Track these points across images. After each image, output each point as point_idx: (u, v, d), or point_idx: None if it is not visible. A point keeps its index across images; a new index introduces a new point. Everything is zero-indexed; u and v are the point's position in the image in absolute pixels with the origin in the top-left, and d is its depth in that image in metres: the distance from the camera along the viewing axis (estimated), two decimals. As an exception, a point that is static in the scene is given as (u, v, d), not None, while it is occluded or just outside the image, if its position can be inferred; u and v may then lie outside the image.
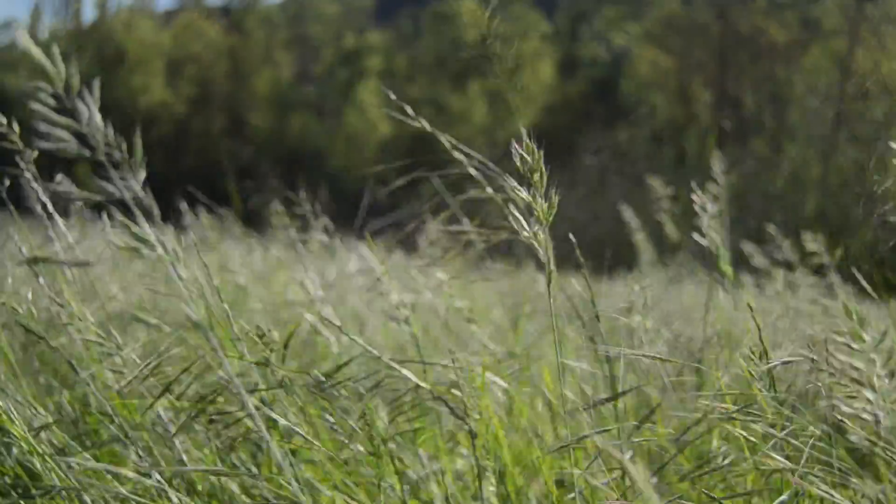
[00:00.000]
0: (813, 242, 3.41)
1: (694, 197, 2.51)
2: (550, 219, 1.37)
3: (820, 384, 1.30)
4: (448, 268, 2.73)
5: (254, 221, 4.70)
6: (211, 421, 1.87)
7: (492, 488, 1.99)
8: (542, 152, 1.36)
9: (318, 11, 47.88)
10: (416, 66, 43.98)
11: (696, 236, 2.67)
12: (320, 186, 3.33)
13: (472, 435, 1.84)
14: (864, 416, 1.12)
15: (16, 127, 1.97)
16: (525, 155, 1.36)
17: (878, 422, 1.11)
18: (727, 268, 2.70)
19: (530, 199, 1.36)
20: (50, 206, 1.99)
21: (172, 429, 1.83)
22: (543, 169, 1.36)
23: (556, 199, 1.37)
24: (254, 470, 2.13)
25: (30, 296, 1.99)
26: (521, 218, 1.38)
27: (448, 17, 44.92)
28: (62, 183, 1.04)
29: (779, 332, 3.08)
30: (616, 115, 41.72)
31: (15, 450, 1.82)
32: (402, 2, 50.51)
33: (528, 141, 1.36)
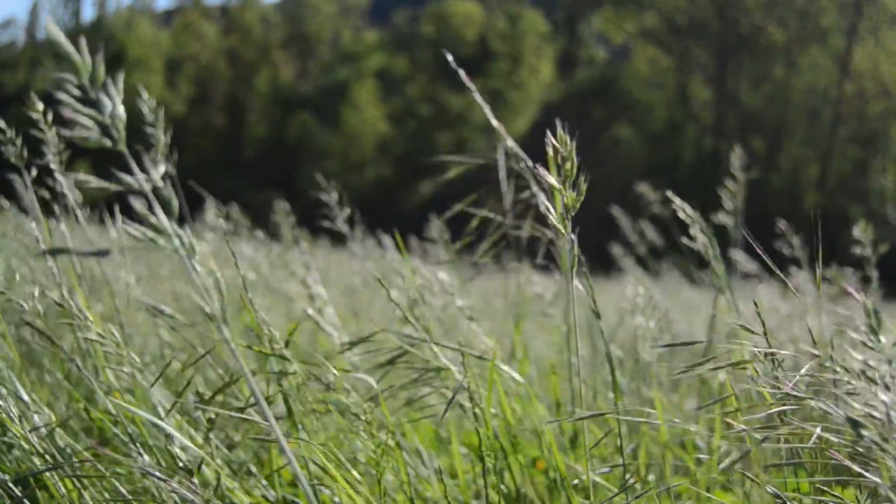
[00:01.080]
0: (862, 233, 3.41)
1: (674, 202, 2.50)
2: (578, 206, 1.39)
3: (827, 382, 1.30)
4: (448, 267, 2.73)
5: (258, 219, 4.69)
6: (210, 420, 1.87)
7: (496, 487, 1.99)
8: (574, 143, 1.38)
9: (314, 11, 47.88)
10: (415, 66, 43.97)
11: (685, 240, 2.66)
12: (322, 185, 3.33)
13: (476, 418, 1.84)
14: (876, 414, 1.11)
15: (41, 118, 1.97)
16: (558, 145, 1.38)
17: (890, 422, 1.10)
18: (721, 271, 2.70)
19: (560, 186, 1.37)
20: (72, 200, 1.99)
21: (172, 425, 1.83)
22: (575, 158, 1.37)
23: (584, 188, 1.38)
24: (254, 469, 2.13)
25: (36, 293, 1.98)
26: (548, 204, 1.39)
27: (446, 16, 44.94)
28: (76, 177, 1.03)
29: (782, 332, 3.08)
30: (614, 114, 41.77)
31: (16, 451, 1.82)
32: (397, 1, 50.53)
33: (561, 132, 1.38)
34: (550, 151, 1.41)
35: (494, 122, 1.88)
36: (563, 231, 1.42)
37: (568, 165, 1.40)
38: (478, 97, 1.92)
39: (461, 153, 2.30)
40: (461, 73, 1.82)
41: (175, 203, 1.04)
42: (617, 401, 1.89)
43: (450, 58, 1.80)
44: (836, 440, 1.29)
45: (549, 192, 1.43)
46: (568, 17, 47.00)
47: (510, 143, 1.91)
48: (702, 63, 42.70)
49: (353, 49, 46.13)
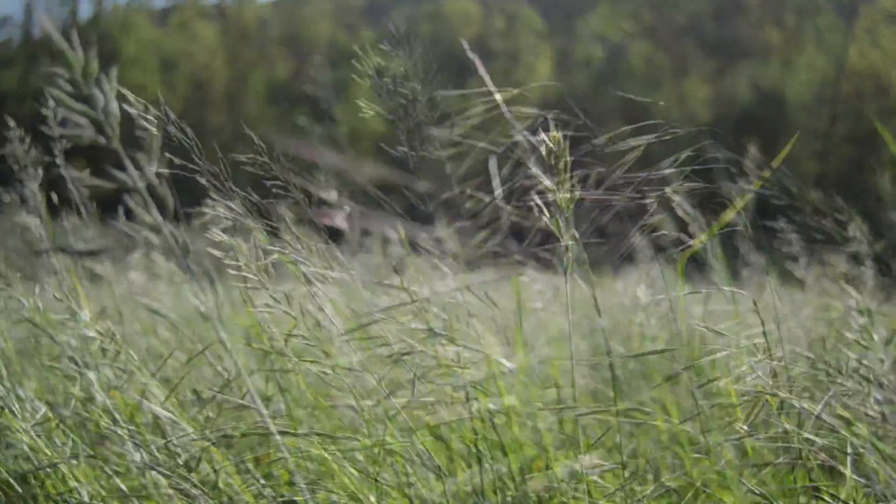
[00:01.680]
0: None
1: (672, 194, 2.49)
2: (572, 207, 1.38)
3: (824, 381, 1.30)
4: (452, 263, 2.73)
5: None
6: (208, 418, 1.87)
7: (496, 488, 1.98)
8: (567, 142, 1.37)
9: (310, 9, 47.76)
10: (413, 65, 43.65)
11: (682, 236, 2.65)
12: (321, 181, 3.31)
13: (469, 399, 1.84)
14: (871, 412, 1.11)
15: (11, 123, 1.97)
16: (551, 144, 1.36)
17: (884, 419, 1.10)
18: (720, 268, 2.70)
19: (554, 187, 1.36)
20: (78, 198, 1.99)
21: (169, 425, 1.83)
22: (568, 159, 1.36)
23: (578, 188, 1.37)
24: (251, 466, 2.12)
25: (37, 289, 1.98)
26: (542, 205, 1.38)
27: (443, 15, 44.88)
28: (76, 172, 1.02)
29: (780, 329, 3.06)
30: (612, 113, 41.70)
31: (14, 448, 1.82)
32: (394, 0, 50.40)
33: (555, 131, 1.36)
34: (544, 152, 1.39)
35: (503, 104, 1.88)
36: (558, 233, 1.41)
37: (561, 165, 1.39)
38: (488, 81, 1.91)
39: (458, 152, 2.28)
40: (476, 61, 1.82)
41: (171, 200, 1.03)
42: (616, 399, 1.89)
43: (466, 46, 1.79)
44: (819, 441, 1.29)
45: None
46: (565, 15, 46.89)
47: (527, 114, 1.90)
48: (698, 62, 42.68)
49: (349, 48, 45.91)
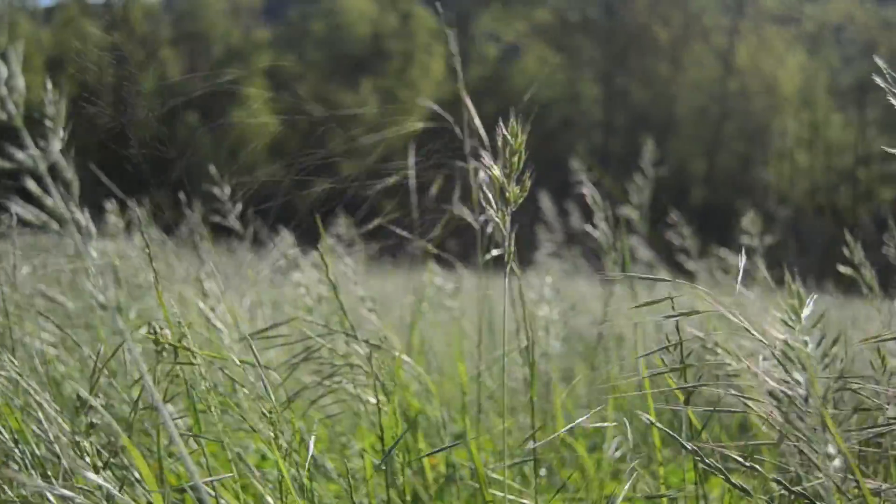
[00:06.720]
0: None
1: (584, 190, 2.52)
2: (520, 201, 1.36)
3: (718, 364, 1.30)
4: (354, 258, 2.69)
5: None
6: (92, 425, 1.78)
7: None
8: (525, 135, 1.35)
9: (204, 9, 47.01)
10: (306, 64, 43.46)
11: (588, 229, 2.67)
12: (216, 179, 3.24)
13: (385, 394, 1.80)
14: (791, 393, 1.11)
15: None
16: (508, 136, 1.33)
17: (806, 400, 1.10)
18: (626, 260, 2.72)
19: (503, 179, 1.33)
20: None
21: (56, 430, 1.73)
22: (523, 152, 1.34)
23: (528, 183, 1.35)
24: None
25: None
26: (489, 195, 1.35)
27: (337, 12, 44.69)
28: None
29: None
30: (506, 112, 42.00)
31: None
32: (292, 1, 49.92)
33: (514, 123, 1.34)
34: (500, 142, 1.37)
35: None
36: (501, 225, 1.38)
37: (515, 159, 1.36)
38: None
39: (353, 151, 2.25)
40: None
41: (76, 183, 0.95)
42: (533, 395, 1.87)
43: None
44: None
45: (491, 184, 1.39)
46: (458, 14, 47.07)
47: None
48: (591, 60, 43.37)
49: (242, 47, 45.37)
